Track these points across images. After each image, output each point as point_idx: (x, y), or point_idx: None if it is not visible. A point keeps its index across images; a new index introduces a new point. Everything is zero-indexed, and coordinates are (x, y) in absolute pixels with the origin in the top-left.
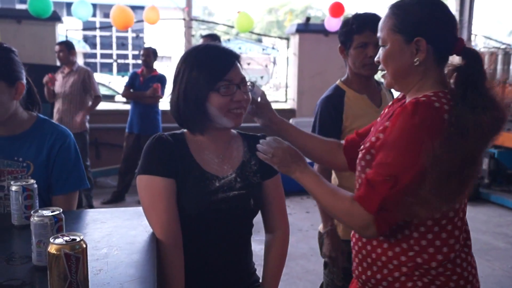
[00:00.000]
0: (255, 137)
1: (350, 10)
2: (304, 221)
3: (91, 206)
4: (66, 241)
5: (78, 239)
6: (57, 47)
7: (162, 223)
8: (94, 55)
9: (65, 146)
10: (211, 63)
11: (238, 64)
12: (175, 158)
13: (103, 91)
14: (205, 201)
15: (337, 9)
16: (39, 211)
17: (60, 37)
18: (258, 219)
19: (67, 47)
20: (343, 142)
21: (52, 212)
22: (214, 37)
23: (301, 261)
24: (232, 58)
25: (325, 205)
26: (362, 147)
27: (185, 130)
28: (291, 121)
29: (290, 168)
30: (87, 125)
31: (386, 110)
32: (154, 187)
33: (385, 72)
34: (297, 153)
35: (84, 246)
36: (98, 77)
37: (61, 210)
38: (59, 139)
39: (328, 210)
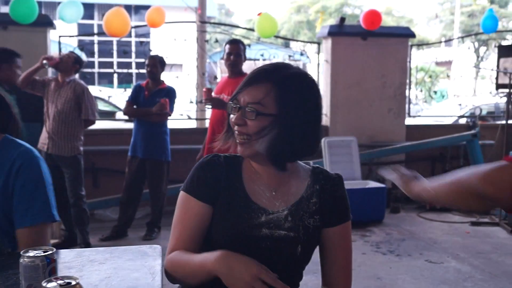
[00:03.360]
0: (329, 176)
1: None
2: None
3: (87, 244)
4: (60, 285)
5: (73, 283)
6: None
7: (180, 235)
8: (91, 64)
9: (26, 165)
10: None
11: (264, 88)
12: (219, 183)
13: (101, 106)
14: (244, 233)
15: (372, 18)
16: (29, 251)
17: (53, 44)
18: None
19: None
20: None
21: (44, 252)
22: (236, 44)
23: None
24: (254, 78)
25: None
26: None
27: None
28: (322, 140)
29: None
30: (81, 148)
31: None
32: (188, 207)
33: None
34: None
35: None
36: (96, 90)
37: (54, 249)
38: (19, 158)
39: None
